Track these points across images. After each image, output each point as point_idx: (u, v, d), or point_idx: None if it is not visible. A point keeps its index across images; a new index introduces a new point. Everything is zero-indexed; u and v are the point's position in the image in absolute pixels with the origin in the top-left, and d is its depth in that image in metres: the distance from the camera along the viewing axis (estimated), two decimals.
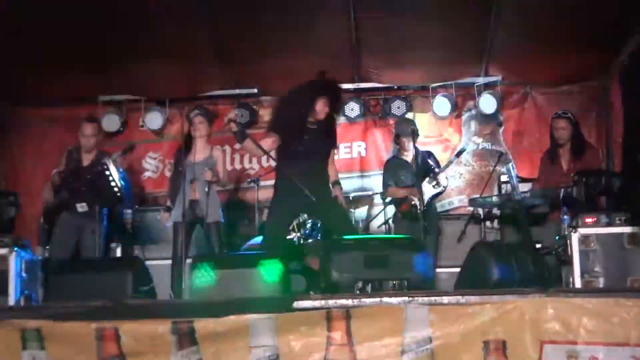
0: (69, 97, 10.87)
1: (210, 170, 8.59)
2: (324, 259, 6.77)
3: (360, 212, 10.82)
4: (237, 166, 11.66)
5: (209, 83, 11.14)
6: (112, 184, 8.49)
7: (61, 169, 8.82)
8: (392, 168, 9.72)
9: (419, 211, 9.02)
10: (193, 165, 8.61)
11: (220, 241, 8.71)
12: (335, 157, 9.01)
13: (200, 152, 8.80)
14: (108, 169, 8.52)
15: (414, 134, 9.42)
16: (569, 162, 8.59)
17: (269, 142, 7.96)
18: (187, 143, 8.79)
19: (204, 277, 6.50)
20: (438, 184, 9.36)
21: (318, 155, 8.05)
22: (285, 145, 7.97)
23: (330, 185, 8.14)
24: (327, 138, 8.18)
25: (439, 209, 10.17)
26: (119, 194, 8.57)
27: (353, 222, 8.60)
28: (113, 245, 9.60)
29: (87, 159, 8.90)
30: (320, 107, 7.97)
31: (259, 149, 7.93)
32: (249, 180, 10.81)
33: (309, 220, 9.46)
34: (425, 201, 9.09)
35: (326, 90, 8.07)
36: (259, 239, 9.16)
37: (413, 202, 9.23)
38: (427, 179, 9.30)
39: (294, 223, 9.42)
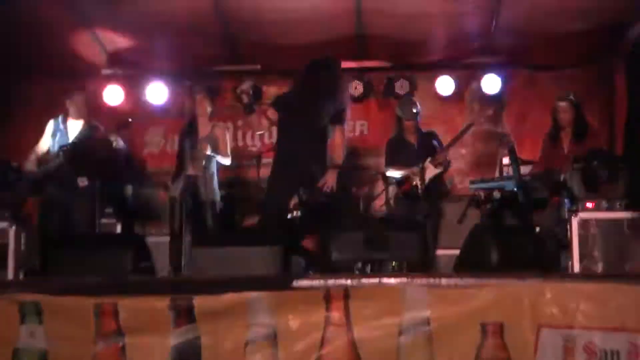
0: (72, 70, 10.86)
1: (209, 145, 8.62)
2: (323, 239, 6.77)
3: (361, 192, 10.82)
4: (240, 143, 11.65)
5: (212, 59, 11.11)
6: (114, 158, 8.51)
7: (67, 144, 8.78)
8: (394, 148, 9.73)
9: (419, 191, 9.05)
10: (195, 142, 8.63)
11: (214, 218, 8.72)
12: None
13: (201, 129, 8.79)
14: (111, 143, 8.53)
15: (417, 115, 9.43)
16: (570, 145, 8.57)
17: (272, 118, 7.95)
18: (189, 120, 8.81)
19: None
20: (440, 163, 9.36)
21: (318, 133, 8.02)
22: (286, 122, 7.97)
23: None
24: (332, 115, 8.14)
25: (439, 187, 10.15)
26: (119, 170, 8.58)
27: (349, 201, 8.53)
28: (113, 221, 9.62)
29: (73, 130, 8.88)
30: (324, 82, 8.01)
31: (264, 123, 7.93)
32: (252, 158, 10.78)
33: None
34: (427, 181, 9.10)
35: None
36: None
37: (414, 182, 9.24)
38: (430, 158, 9.29)
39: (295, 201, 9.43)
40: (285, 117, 7.95)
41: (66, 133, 8.90)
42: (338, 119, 8.15)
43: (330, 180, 7.89)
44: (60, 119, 9.05)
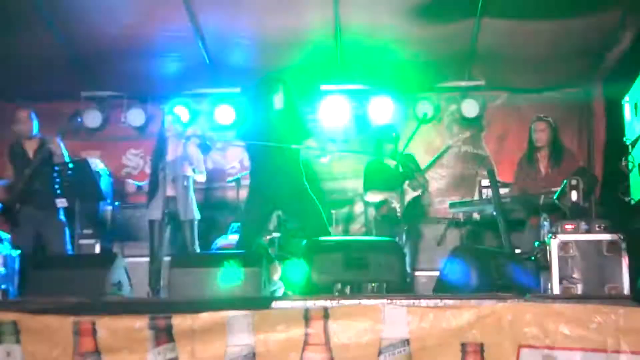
0: (50, 92, 10.82)
1: (189, 165, 8.62)
2: (303, 260, 6.75)
3: (341, 214, 10.82)
4: (218, 164, 11.63)
5: (192, 80, 11.11)
6: (93, 179, 8.48)
7: (35, 164, 8.70)
8: (373, 171, 9.74)
9: (398, 214, 9.06)
10: (167, 163, 8.60)
11: (193, 239, 8.70)
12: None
13: (173, 150, 8.74)
14: (89, 165, 8.49)
15: (395, 140, 9.46)
16: (547, 167, 8.58)
17: (235, 151, 8.01)
18: (161, 142, 8.77)
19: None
20: (418, 186, 9.38)
21: (287, 148, 8.00)
22: (254, 140, 8.01)
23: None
24: (295, 128, 8.17)
25: (418, 209, 10.17)
26: (99, 191, 8.55)
27: (326, 219, 8.48)
28: (92, 241, 9.57)
29: (30, 148, 8.81)
30: (279, 98, 8.07)
31: (224, 159, 8.01)
32: (230, 180, 10.74)
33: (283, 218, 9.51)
34: (406, 203, 9.12)
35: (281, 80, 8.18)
36: (226, 237, 9.22)
37: (393, 205, 9.25)
38: (408, 182, 9.30)
39: (272, 224, 9.44)
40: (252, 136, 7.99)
41: (26, 155, 8.81)
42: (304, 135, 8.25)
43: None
44: (14, 143, 8.96)
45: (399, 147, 9.63)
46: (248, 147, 8.14)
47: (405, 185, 9.31)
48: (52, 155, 8.66)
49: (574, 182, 7.39)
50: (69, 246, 8.63)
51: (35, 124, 8.91)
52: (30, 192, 8.58)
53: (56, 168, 8.33)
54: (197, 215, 8.78)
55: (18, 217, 8.71)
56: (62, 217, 8.63)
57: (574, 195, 7.30)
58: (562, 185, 7.47)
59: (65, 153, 8.80)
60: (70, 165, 8.40)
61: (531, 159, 8.67)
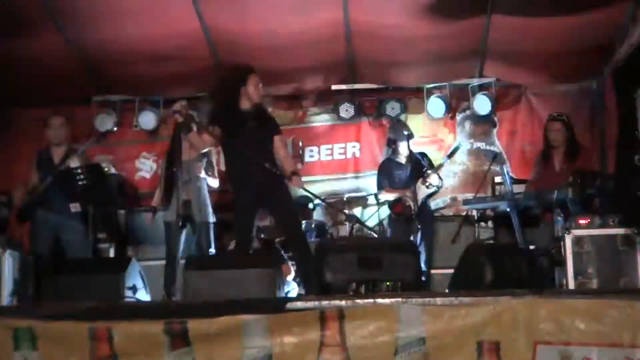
0: (63, 97, 10.84)
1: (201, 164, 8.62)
2: (317, 260, 6.75)
3: (354, 213, 10.82)
4: None
5: (203, 83, 11.12)
6: (106, 184, 8.50)
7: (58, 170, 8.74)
8: (387, 170, 9.78)
9: (412, 212, 9.07)
10: (183, 164, 8.59)
11: (209, 241, 8.70)
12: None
13: (186, 152, 8.70)
14: (102, 169, 8.53)
15: (409, 138, 9.47)
16: (562, 164, 8.57)
17: (208, 138, 7.87)
18: (176, 143, 8.74)
19: None
20: (431, 184, 9.39)
21: (261, 143, 7.80)
22: (228, 136, 7.83)
23: (286, 178, 7.80)
24: (266, 123, 7.98)
25: (432, 207, 10.16)
26: (112, 195, 8.57)
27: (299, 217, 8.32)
28: (106, 245, 9.60)
29: (57, 156, 8.85)
30: (253, 87, 7.87)
31: (202, 143, 7.88)
32: None
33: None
34: (420, 202, 9.14)
35: (254, 72, 7.97)
36: None
37: (407, 204, 9.26)
38: (421, 179, 9.31)
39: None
40: (227, 132, 7.83)
41: (51, 161, 8.84)
42: (274, 128, 8.07)
43: (299, 184, 7.87)
44: (43, 150, 9.01)
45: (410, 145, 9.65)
46: (224, 138, 7.94)
47: (419, 183, 9.32)
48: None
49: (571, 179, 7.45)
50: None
51: (66, 131, 8.96)
52: (49, 197, 8.60)
53: (72, 173, 8.37)
54: (211, 218, 8.78)
55: (36, 222, 8.76)
56: (80, 221, 8.64)
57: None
58: (571, 178, 7.51)
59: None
60: (81, 170, 8.43)
61: (546, 157, 8.66)
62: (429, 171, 9.46)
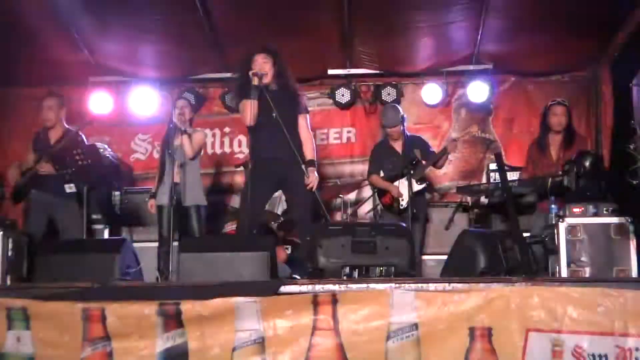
0: (58, 77, 10.81)
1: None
2: (311, 244, 6.75)
3: (349, 197, 10.80)
4: (227, 149, 11.64)
5: (199, 66, 11.10)
6: (102, 165, 8.50)
7: (53, 151, 8.73)
8: (379, 155, 9.70)
9: (400, 207, 9.05)
10: (174, 149, 8.59)
11: (200, 225, 8.70)
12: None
13: (180, 136, 8.68)
14: (99, 150, 8.52)
15: (401, 121, 9.38)
16: (558, 151, 8.57)
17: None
18: (170, 128, 8.74)
19: None
20: (422, 179, 9.34)
21: (285, 122, 7.69)
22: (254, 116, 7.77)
23: (304, 166, 7.78)
24: (291, 102, 7.95)
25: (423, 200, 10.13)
26: (107, 176, 8.56)
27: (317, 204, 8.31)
28: (100, 226, 9.60)
29: (54, 137, 8.85)
30: (260, 63, 7.83)
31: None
32: (237, 165, 10.69)
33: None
34: (409, 196, 9.06)
35: (263, 48, 7.94)
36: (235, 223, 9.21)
37: (395, 197, 9.24)
38: (412, 172, 9.20)
39: (281, 207, 9.46)
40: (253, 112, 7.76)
41: (47, 142, 8.83)
42: (298, 107, 8.03)
43: (313, 181, 7.82)
44: (41, 130, 9.00)
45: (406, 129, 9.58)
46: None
47: (409, 178, 9.21)
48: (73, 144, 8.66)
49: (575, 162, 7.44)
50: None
51: (61, 113, 8.96)
52: (43, 177, 8.60)
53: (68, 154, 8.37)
54: (203, 201, 8.77)
55: (30, 202, 8.76)
56: (75, 202, 8.64)
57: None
58: (566, 166, 7.50)
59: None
60: (79, 151, 8.43)
61: (543, 144, 8.65)
62: (422, 162, 9.36)
